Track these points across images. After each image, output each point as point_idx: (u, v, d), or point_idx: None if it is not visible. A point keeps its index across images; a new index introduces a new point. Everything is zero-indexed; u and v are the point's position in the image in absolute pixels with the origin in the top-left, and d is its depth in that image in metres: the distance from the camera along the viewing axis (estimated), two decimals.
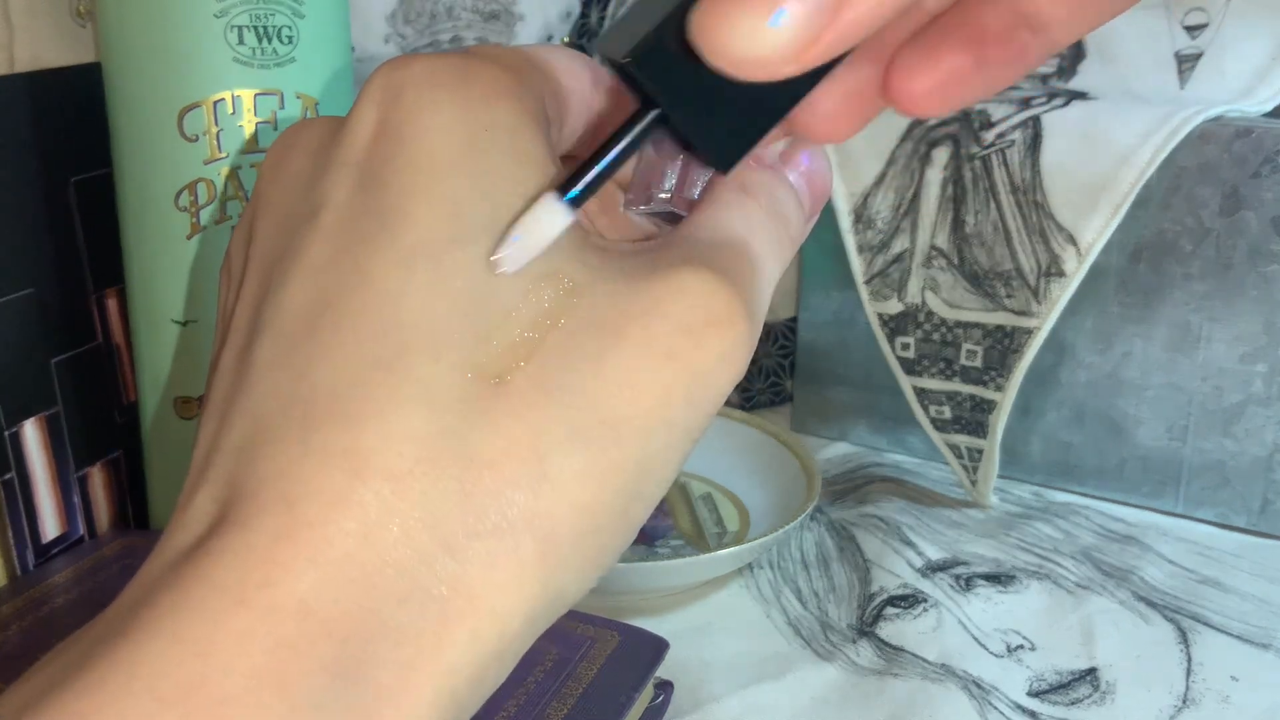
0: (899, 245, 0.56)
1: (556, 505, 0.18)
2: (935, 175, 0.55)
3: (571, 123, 0.23)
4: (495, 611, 0.18)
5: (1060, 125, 0.52)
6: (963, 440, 0.56)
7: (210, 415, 0.19)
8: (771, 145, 0.24)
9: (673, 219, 0.24)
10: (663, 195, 0.24)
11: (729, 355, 0.19)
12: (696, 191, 0.24)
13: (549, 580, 0.18)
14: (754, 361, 0.59)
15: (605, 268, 0.20)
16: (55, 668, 0.17)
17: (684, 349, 0.19)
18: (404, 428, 0.17)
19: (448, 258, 0.18)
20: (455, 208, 0.19)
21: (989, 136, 0.53)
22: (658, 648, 0.38)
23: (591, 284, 0.19)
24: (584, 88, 0.23)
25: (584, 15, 0.61)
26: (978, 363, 0.54)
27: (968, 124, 0.54)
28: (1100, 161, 0.51)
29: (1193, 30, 0.55)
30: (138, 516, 0.48)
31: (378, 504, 0.17)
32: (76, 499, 0.46)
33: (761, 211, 0.22)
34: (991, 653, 0.44)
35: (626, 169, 0.25)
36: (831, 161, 0.24)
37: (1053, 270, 0.52)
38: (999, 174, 0.53)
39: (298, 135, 0.21)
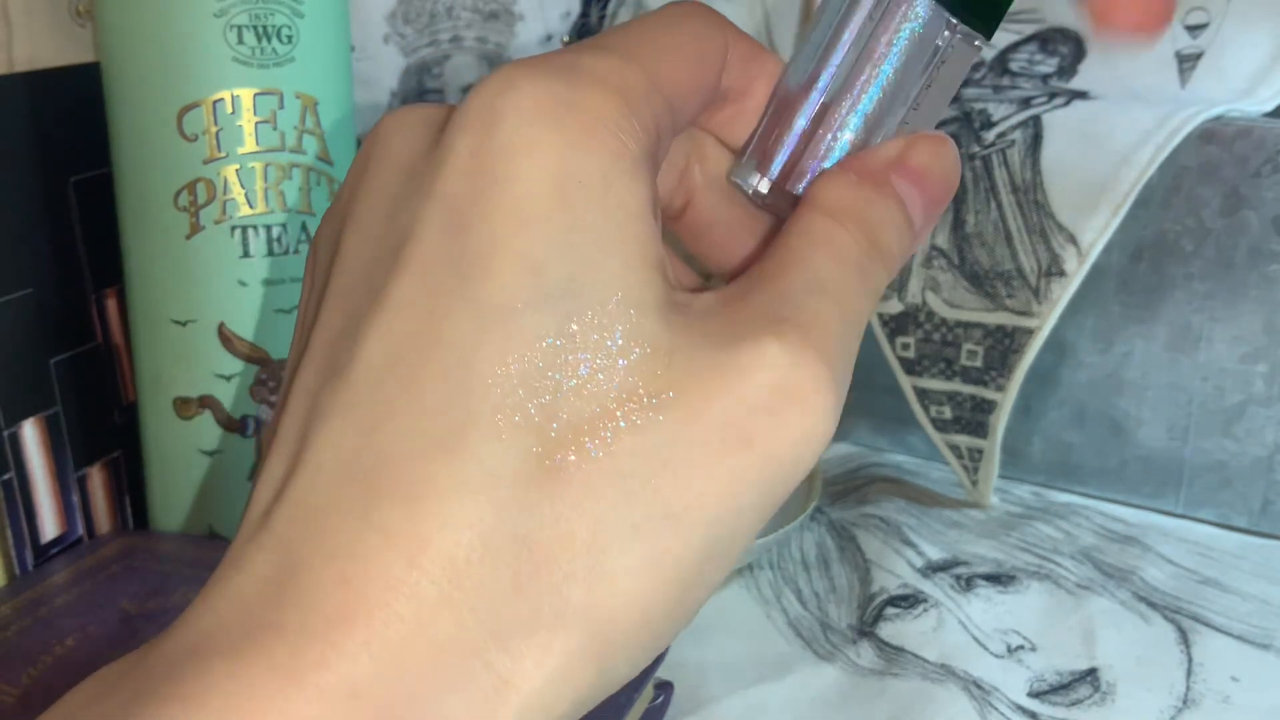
0: None
1: (612, 600, 0.18)
2: None
3: (693, 109, 0.21)
4: (542, 703, 0.18)
5: (1061, 125, 0.52)
6: (963, 440, 0.56)
7: (279, 452, 0.19)
8: (885, 146, 0.22)
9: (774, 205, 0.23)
10: (765, 182, 0.22)
11: (811, 434, 0.18)
12: (801, 185, 0.22)
13: (601, 671, 0.18)
14: None
15: (689, 330, 0.18)
16: (93, 717, 0.17)
17: (762, 432, 0.18)
18: (463, 514, 0.17)
19: (523, 322, 0.17)
20: (536, 266, 0.18)
21: (989, 136, 0.53)
22: None
23: (672, 351, 0.18)
24: (712, 66, 0.21)
25: (584, 15, 0.61)
26: (978, 363, 0.54)
27: (968, 123, 0.54)
28: (1101, 161, 0.51)
29: (1193, 30, 0.55)
30: (137, 517, 0.48)
31: (434, 592, 0.17)
32: (75, 499, 0.45)
33: (853, 244, 0.21)
34: (992, 653, 0.44)
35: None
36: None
37: (1053, 270, 0.52)
38: (999, 174, 0.53)
39: (390, 142, 0.20)
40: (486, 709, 0.17)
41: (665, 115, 0.20)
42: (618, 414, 0.18)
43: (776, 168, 0.22)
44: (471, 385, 0.17)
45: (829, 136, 0.22)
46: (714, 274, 0.24)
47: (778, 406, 0.18)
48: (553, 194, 0.18)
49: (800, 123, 0.22)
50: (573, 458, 0.17)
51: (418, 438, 0.17)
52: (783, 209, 0.22)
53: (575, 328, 0.18)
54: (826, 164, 0.22)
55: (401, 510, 0.17)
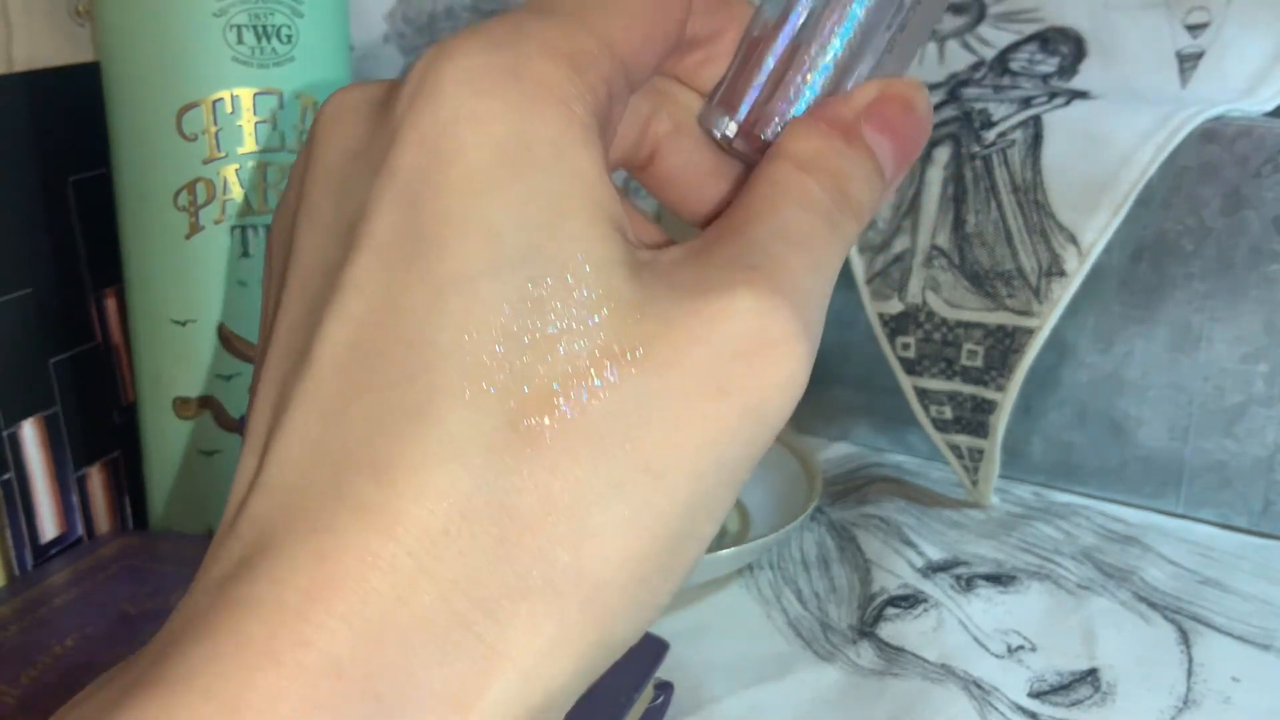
0: (900, 245, 0.56)
1: (601, 561, 0.17)
2: (936, 175, 0.55)
3: (650, 63, 0.21)
4: (540, 672, 0.17)
5: (1061, 124, 0.52)
6: (963, 440, 0.55)
7: (251, 446, 0.19)
8: (855, 94, 0.21)
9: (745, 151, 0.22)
10: (732, 126, 0.21)
11: (787, 381, 0.18)
12: (769, 131, 0.21)
13: (599, 636, 0.18)
14: None
15: (656, 284, 0.18)
16: (87, 710, 0.17)
17: (737, 380, 0.18)
18: (436, 484, 0.17)
19: (483, 290, 0.17)
20: (492, 235, 0.17)
21: (990, 136, 0.53)
22: (658, 648, 0.38)
23: (641, 305, 0.18)
24: (672, 17, 0.21)
25: None
26: (978, 363, 0.54)
27: (968, 123, 0.54)
28: (1101, 161, 0.51)
29: (1194, 29, 0.55)
30: (136, 517, 0.48)
31: (411, 565, 0.16)
32: (75, 500, 0.45)
33: (822, 194, 0.20)
34: (992, 653, 0.44)
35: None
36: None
37: (1054, 270, 0.51)
38: (1000, 173, 0.53)
39: (334, 127, 0.20)
40: (478, 680, 0.17)
41: (617, 76, 0.19)
42: (590, 372, 0.17)
43: (744, 111, 0.21)
44: (434, 357, 0.17)
45: (798, 79, 0.21)
46: (688, 223, 0.24)
47: (751, 354, 0.18)
48: (503, 163, 0.18)
49: (768, 64, 0.21)
50: (546, 420, 0.17)
51: (385, 414, 0.17)
52: (751, 155, 0.21)
53: (538, 291, 0.17)
54: (796, 108, 0.21)
55: (373, 485, 0.17)
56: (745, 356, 0.18)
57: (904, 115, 0.21)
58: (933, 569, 0.50)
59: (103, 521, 0.47)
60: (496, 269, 0.17)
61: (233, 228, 0.42)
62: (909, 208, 0.55)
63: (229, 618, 0.16)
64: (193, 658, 0.16)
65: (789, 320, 0.18)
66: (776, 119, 0.21)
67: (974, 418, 0.55)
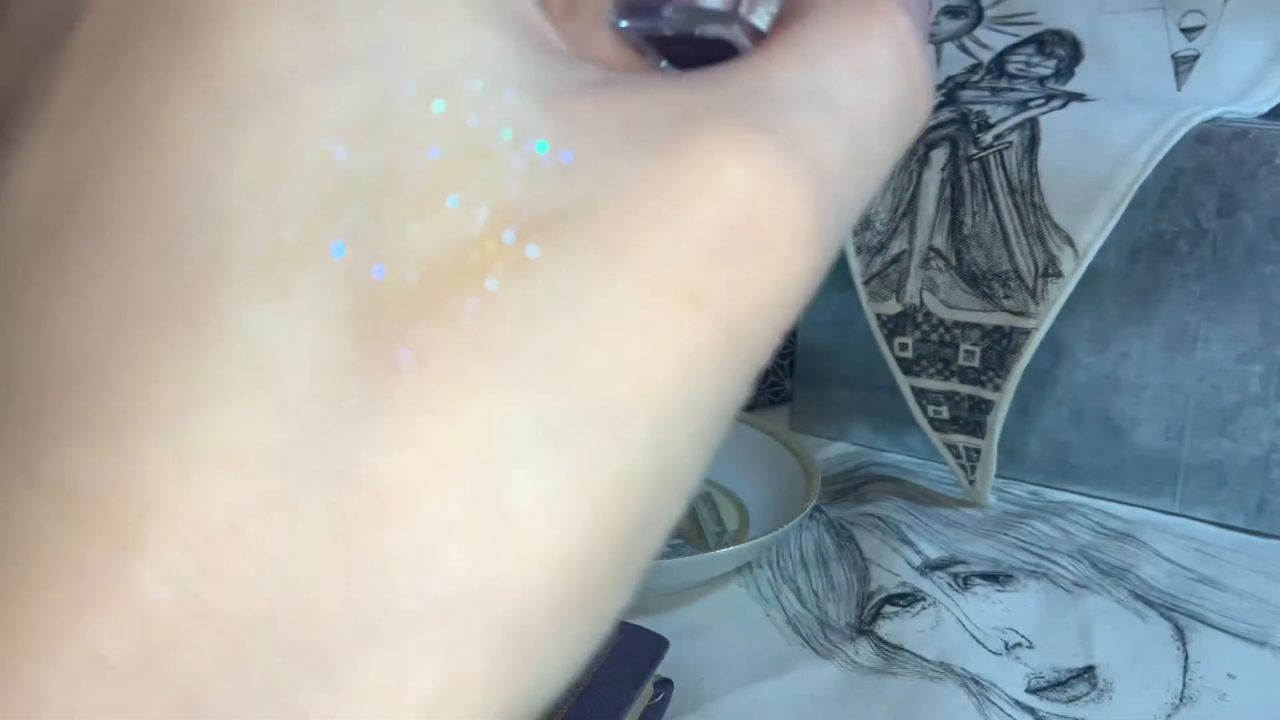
0: (897, 246, 0.56)
1: (518, 567, 0.10)
2: (933, 176, 0.55)
3: None
4: None
5: (1058, 127, 0.53)
6: (961, 440, 0.56)
7: None
8: None
9: (704, 52, 0.14)
10: (713, 3, 0.14)
11: (779, 297, 0.11)
12: (762, 11, 0.14)
13: (511, 688, 0.10)
14: None
15: (601, 121, 0.11)
16: None
17: (713, 288, 0.11)
18: (218, 438, 0.09)
19: (299, 104, 0.10)
20: (318, 16, 0.10)
21: (987, 138, 0.54)
22: (658, 646, 0.39)
23: (579, 157, 0.11)
24: None
25: None
26: (975, 363, 0.55)
27: (965, 126, 0.54)
28: (1097, 163, 0.51)
29: (1190, 32, 0.55)
30: None
31: (170, 597, 0.09)
32: None
33: (876, 34, 0.13)
34: (990, 650, 0.45)
35: None
36: None
37: (1050, 271, 0.52)
38: (996, 175, 0.53)
39: None
40: None
41: None
42: (490, 253, 0.10)
43: None
44: (218, 212, 0.10)
45: None
46: None
47: (734, 250, 0.11)
48: None
49: None
50: (422, 329, 0.10)
51: (118, 313, 0.10)
52: (742, 42, 0.14)
53: (399, 107, 0.10)
54: None
55: (91, 450, 0.09)
56: (727, 253, 0.11)
57: None
58: (930, 567, 0.50)
59: None
60: (325, 70, 0.10)
61: None
62: (906, 209, 0.56)
63: None
64: None
65: (798, 209, 0.11)
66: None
67: (971, 417, 0.55)
